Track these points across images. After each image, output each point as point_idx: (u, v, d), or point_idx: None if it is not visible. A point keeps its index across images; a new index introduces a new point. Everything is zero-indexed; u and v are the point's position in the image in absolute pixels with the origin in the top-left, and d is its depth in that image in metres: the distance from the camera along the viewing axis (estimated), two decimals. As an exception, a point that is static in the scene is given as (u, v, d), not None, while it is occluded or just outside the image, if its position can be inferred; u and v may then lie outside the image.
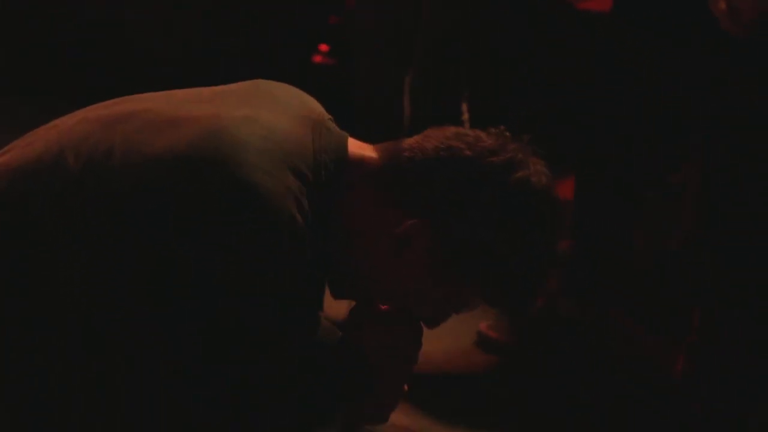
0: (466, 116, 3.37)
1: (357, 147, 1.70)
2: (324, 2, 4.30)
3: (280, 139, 1.59)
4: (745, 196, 2.79)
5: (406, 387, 1.76)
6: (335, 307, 1.79)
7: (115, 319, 1.52)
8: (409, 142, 1.68)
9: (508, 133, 1.67)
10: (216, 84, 1.76)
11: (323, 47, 4.21)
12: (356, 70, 3.47)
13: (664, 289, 3.35)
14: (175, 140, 1.56)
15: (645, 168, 3.14)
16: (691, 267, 3.16)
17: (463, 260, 1.64)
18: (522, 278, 1.67)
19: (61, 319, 1.53)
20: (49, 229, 1.54)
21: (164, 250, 1.51)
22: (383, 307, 1.74)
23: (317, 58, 4.20)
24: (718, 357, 2.88)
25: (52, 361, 1.54)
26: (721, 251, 2.86)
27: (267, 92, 1.72)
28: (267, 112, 1.63)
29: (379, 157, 1.68)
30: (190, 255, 1.51)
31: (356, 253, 1.67)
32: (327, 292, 1.71)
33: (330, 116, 1.72)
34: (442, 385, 3.04)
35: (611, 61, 2.98)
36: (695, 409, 2.91)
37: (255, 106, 1.64)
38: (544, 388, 3.12)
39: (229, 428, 1.56)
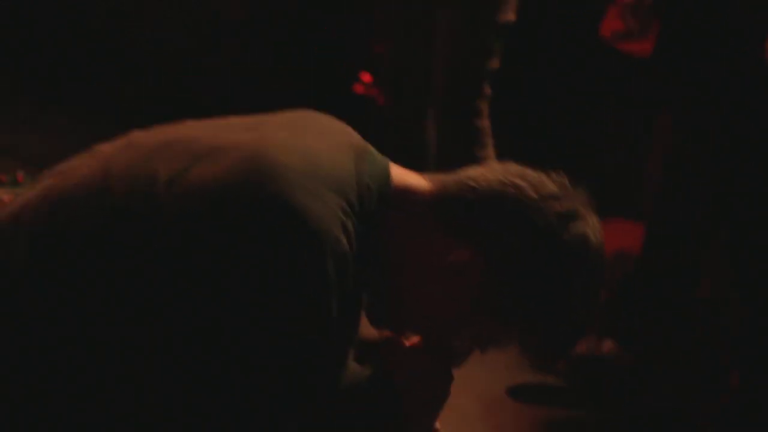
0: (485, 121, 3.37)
1: (402, 173, 1.70)
2: (368, 29, 4.27)
3: (321, 163, 1.58)
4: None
5: (438, 425, 1.75)
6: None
7: (147, 352, 1.50)
8: (471, 173, 1.68)
9: (567, 181, 1.67)
10: (255, 109, 1.77)
11: (366, 77, 4.13)
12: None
13: (704, 343, 3.32)
14: (217, 168, 1.55)
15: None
16: (722, 317, 3.15)
17: (509, 301, 1.63)
18: (560, 331, 1.67)
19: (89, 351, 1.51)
20: (91, 257, 1.53)
21: (206, 278, 1.50)
22: (414, 342, 1.74)
23: (359, 88, 4.13)
24: (753, 417, 2.82)
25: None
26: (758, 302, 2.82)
27: (308, 119, 1.72)
28: (307, 138, 1.63)
29: (432, 185, 1.69)
30: (232, 279, 1.49)
31: (400, 278, 1.66)
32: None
33: (370, 146, 1.71)
34: (470, 430, 3.01)
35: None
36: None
37: (295, 131, 1.64)
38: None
39: None
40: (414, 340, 1.76)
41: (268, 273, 1.49)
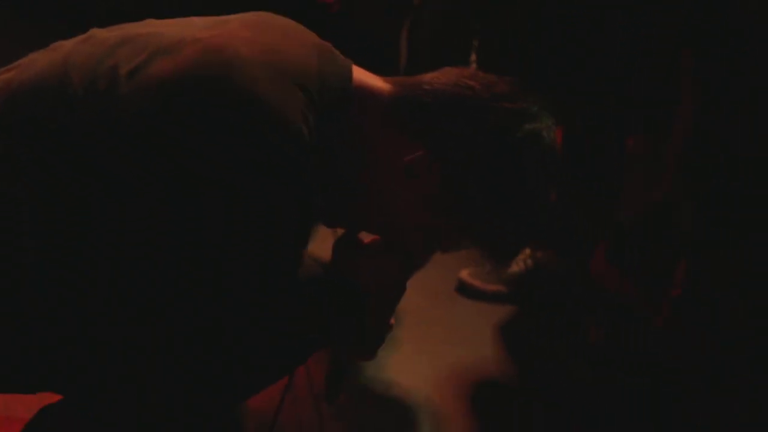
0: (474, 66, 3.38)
1: (363, 74, 1.71)
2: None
3: (284, 57, 1.59)
4: (731, 149, 2.77)
5: (392, 321, 1.79)
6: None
7: (107, 242, 1.51)
8: (428, 76, 1.70)
9: (521, 84, 1.69)
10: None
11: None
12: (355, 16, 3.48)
13: (649, 241, 3.36)
14: (178, 60, 1.55)
15: (634, 117, 3.13)
16: (674, 218, 3.16)
17: (464, 199, 1.65)
18: (513, 226, 1.68)
19: (47, 243, 1.51)
20: (51, 148, 1.53)
21: (168, 166, 1.50)
22: (370, 239, 1.76)
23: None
24: (702, 310, 2.88)
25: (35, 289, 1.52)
26: (705, 202, 2.86)
27: (271, 19, 1.73)
28: (270, 35, 1.64)
29: (392, 86, 1.70)
30: (194, 168, 1.50)
31: (358, 176, 1.68)
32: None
33: (333, 47, 1.72)
34: (424, 328, 3.07)
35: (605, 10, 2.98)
36: (677, 362, 2.92)
37: (258, 29, 1.65)
38: (526, 335, 3.13)
39: (217, 363, 1.56)
40: (371, 237, 1.78)
41: (230, 161, 1.49)
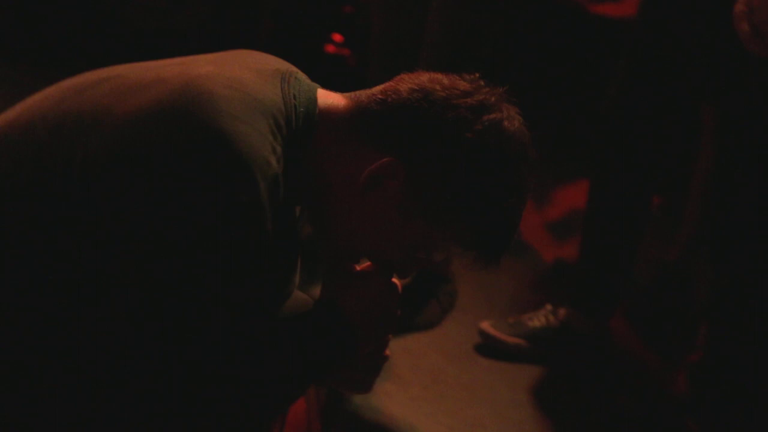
0: None
1: (327, 95, 1.71)
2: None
3: (247, 89, 1.60)
4: (747, 206, 2.74)
5: (388, 352, 1.77)
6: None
7: (86, 280, 1.51)
8: (382, 86, 1.70)
9: (482, 80, 1.68)
10: None
11: (337, 37, 4.16)
12: (370, 70, 3.46)
13: (669, 305, 3.33)
14: (144, 100, 1.56)
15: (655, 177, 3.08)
16: (688, 279, 3.14)
17: (433, 200, 1.64)
18: (491, 219, 1.66)
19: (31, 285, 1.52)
20: (18, 196, 1.54)
21: (138, 207, 1.50)
22: (357, 268, 1.75)
23: (330, 48, 4.15)
24: (721, 376, 2.85)
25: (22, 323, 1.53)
26: (720, 263, 2.83)
27: (235, 54, 1.74)
28: (233, 68, 1.65)
29: (350, 102, 1.70)
30: (164, 208, 1.50)
31: (330, 197, 1.67)
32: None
33: (299, 71, 1.72)
34: (441, 387, 3.00)
35: (634, 65, 2.93)
36: (694, 428, 2.88)
37: (222, 64, 1.66)
38: (545, 397, 3.06)
39: (204, 398, 1.54)
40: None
41: (199, 198, 1.50)
